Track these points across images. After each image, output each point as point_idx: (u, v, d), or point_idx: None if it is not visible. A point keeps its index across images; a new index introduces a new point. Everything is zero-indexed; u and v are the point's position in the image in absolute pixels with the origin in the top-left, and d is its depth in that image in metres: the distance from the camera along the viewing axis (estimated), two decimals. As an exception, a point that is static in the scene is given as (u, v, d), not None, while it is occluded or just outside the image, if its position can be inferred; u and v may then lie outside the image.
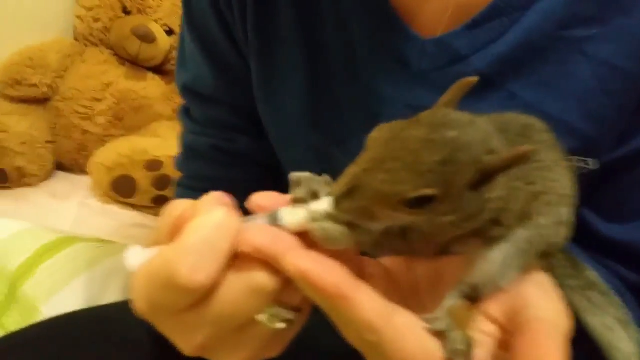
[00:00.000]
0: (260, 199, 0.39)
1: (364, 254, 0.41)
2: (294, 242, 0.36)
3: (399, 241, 0.39)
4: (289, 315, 0.38)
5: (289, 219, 0.37)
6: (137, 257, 0.39)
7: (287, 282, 0.37)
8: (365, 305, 0.34)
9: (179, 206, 0.39)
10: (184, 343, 0.39)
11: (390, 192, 0.33)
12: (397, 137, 0.34)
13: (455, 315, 0.38)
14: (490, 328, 0.38)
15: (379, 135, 0.35)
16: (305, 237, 0.37)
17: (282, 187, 0.40)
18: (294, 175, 0.38)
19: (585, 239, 0.54)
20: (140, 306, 0.39)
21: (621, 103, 0.52)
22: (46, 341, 0.65)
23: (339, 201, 0.35)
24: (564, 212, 0.41)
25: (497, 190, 0.36)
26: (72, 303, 0.96)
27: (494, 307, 0.39)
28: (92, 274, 1.02)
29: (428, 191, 0.33)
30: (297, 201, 0.37)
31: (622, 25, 0.51)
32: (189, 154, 0.78)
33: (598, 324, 0.44)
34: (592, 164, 0.54)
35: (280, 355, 0.42)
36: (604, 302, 0.46)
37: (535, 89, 0.53)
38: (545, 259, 0.41)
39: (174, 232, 0.38)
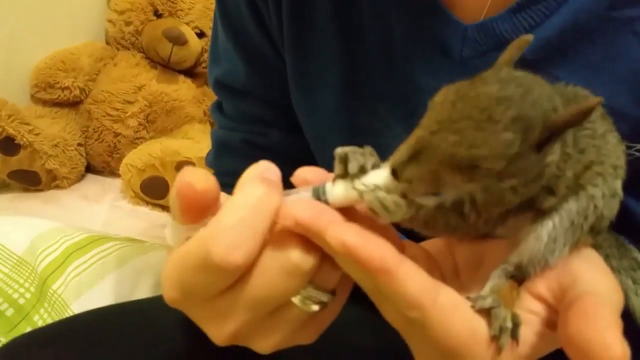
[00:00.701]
0: (307, 172, 0.37)
1: (411, 234, 0.40)
2: (337, 216, 0.35)
3: (452, 215, 0.38)
4: (324, 297, 0.37)
5: (334, 194, 0.35)
6: (177, 231, 0.38)
7: (322, 263, 0.36)
8: (410, 281, 0.32)
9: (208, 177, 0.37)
10: (217, 331, 0.38)
11: (464, 154, 0.31)
12: (466, 96, 0.32)
13: (500, 293, 0.36)
14: (536, 306, 0.37)
15: (444, 98, 0.33)
16: (350, 213, 0.35)
17: None
18: (340, 150, 0.36)
19: (626, 226, 0.51)
20: (171, 294, 0.38)
21: None
22: (74, 336, 0.64)
23: (401, 168, 0.33)
24: (617, 185, 0.39)
25: (553, 154, 0.34)
26: (102, 302, 0.95)
27: (541, 284, 0.37)
28: (121, 272, 1.01)
29: (504, 151, 0.31)
30: (343, 177, 0.35)
31: None
32: (221, 149, 0.77)
33: None
34: None
35: (313, 352, 0.40)
36: None
37: (582, 73, 0.51)
38: (594, 235, 0.40)
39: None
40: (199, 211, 0.36)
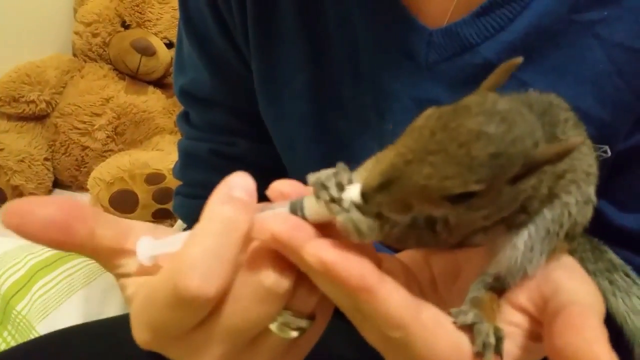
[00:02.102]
0: (283, 185, 0.36)
1: (386, 247, 0.38)
2: (314, 232, 0.33)
3: (425, 232, 0.37)
4: (302, 322, 0.36)
5: (311, 209, 0.34)
6: (149, 249, 0.37)
7: (298, 286, 0.34)
8: (391, 299, 0.31)
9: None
10: None
11: (436, 188, 0.31)
12: (447, 127, 0.31)
13: (481, 306, 0.35)
14: (518, 318, 0.36)
15: (424, 124, 0.32)
16: (327, 229, 0.34)
17: None
18: (314, 179, 0.34)
19: (599, 229, 0.52)
20: (141, 336, 0.36)
21: (638, 86, 0.50)
22: (39, 358, 0.62)
23: (371, 194, 0.32)
24: (590, 191, 0.39)
25: (531, 179, 0.34)
26: (69, 321, 0.92)
27: (521, 295, 0.37)
28: (89, 290, 0.99)
29: (476, 187, 0.31)
30: (331, 201, 0.34)
31: (636, 5, 0.49)
32: (188, 160, 0.75)
33: (622, 307, 0.43)
34: (607, 151, 0.51)
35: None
36: (627, 284, 0.45)
37: (547, 76, 0.51)
38: (569, 241, 0.39)
39: None
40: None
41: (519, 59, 0.36)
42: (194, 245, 0.33)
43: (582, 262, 0.43)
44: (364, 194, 0.32)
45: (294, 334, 0.35)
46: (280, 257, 0.34)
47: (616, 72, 0.50)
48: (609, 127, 0.51)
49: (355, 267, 0.31)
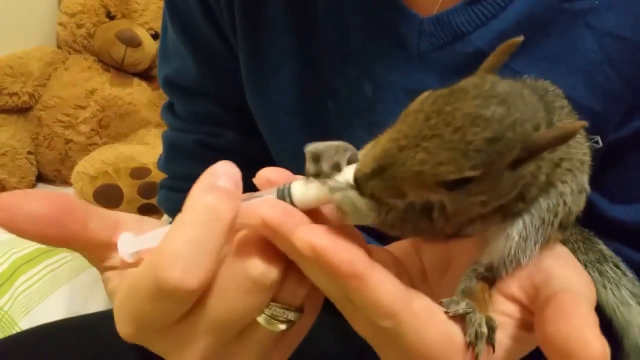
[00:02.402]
0: (270, 173, 0.35)
1: (375, 239, 0.38)
2: (304, 218, 0.32)
3: (421, 220, 0.37)
4: (290, 315, 0.35)
5: (300, 194, 0.33)
6: (129, 245, 0.36)
7: (286, 277, 0.34)
8: (382, 287, 0.30)
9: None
10: None
11: (430, 174, 0.30)
12: (442, 111, 0.30)
13: (472, 296, 0.35)
14: (509, 308, 0.36)
15: (419, 108, 0.31)
16: (315, 216, 0.33)
17: None
18: (312, 147, 0.34)
19: (590, 221, 0.52)
20: (124, 329, 0.35)
21: (628, 75, 0.50)
22: (20, 353, 0.61)
23: (364, 180, 0.31)
24: (584, 180, 0.39)
25: (530, 165, 0.33)
26: (53, 317, 0.90)
27: (513, 284, 0.36)
28: (73, 285, 0.97)
29: (471, 173, 0.30)
30: (316, 176, 0.33)
31: None
32: (173, 152, 0.74)
33: (611, 299, 0.43)
34: (599, 141, 0.51)
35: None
36: (617, 276, 0.45)
37: (539, 65, 0.50)
38: (562, 231, 0.39)
39: None
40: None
41: (519, 39, 0.35)
42: (175, 236, 0.32)
43: (573, 252, 0.42)
44: (356, 180, 0.31)
45: (282, 326, 0.35)
46: (267, 247, 0.33)
47: (607, 61, 0.50)
48: (600, 117, 0.51)
49: (345, 253, 0.30)
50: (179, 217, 0.33)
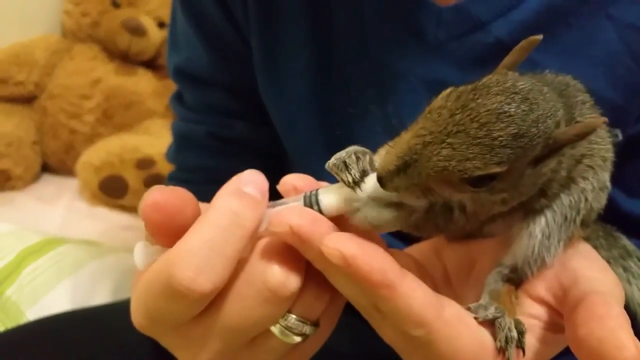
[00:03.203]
0: (295, 179, 0.35)
1: (400, 235, 0.37)
2: (333, 226, 0.32)
3: (441, 220, 0.36)
4: (306, 328, 0.34)
5: (328, 202, 0.33)
6: (144, 254, 0.35)
7: (305, 289, 0.33)
8: (413, 296, 0.30)
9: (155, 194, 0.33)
10: None
11: (456, 169, 0.30)
12: (466, 107, 0.30)
13: (500, 300, 0.35)
14: (537, 310, 0.36)
15: (443, 104, 0.31)
16: (342, 222, 0.33)
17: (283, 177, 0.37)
18: (334, 161, 0.34)
19: (606, 215, 0.51)
20: (138, 320, 0.35)
21: None
22: (30, 343, 0.60)
23: (388, 177, 0.31)
24: (606, 177, 0.39)
25: (551, 162, 0.33)
26: (59, 307, 0.90)
27: (540, 286, 0.36)
28: (78, 276, 0.96)
29: (497, 169, 0.30)
30: (355, 184, 0.34)
31: None
32: (182, 143, 0.73)
33: (637, 294, 0.43)
34: (619, 134, 0.51)
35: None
36: None
37: (559, 57, 0.50)
38: (584, 228, 0.39)
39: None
40: (170, 233, 0.33)
41: (539, 37, 0.34)
42: (194, 235, 0.31)
43: (596, 249, 0.42)
44: (380, 178, 0.31)
45: (297, 339, 0.34)
46: (288, 257, 0.33)
47: (628, 53, 0.49)
48: (620, 110, 0.50)
49: (376, 262, 0.29)
50: (202, 216, 0.32)
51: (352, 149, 0.35)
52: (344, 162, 0.33)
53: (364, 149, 0.35)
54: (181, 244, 0.32)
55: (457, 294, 0.40)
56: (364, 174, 0.33)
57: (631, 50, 0.49)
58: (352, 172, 0.33)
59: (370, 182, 0.33)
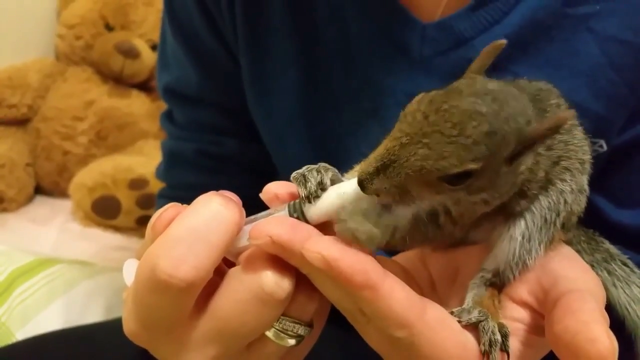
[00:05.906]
0: (277, 187, 0.36)
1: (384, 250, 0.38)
2: (314, 231, 0.32)
3: (429, 228, 0.37)
4: (301, 330, 0.35)
5: (312, 211, 0.34)
6: (134, 271, 0.35)
7: (298, 291, 0.34)
8: (395, 297, 0.30)
9: (170, 210, 0.35)
10: None
11: (433, 167, 0.31)
12: (440, 109, 0.31)
13: (483, 304, 0.35)
14: (520, 313, 0.36)
15: (417, 108, 0.32)
16: (327, 229, 0.34)
17: None
18: (294, 174, 0.35)
19: (595, 225, 0.52)
20: (130, 326, 0.35)
21: (632, 79, 0.50)
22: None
23: (367, 180, 0.32)
24: (584, 180, 0.40)
25: (526, 162, 0.34)
26: (51, 326, 0.89)
27: (522, 289, 0.36)
28: (71, 296, 0.96)
29: (472, 165, 0.31)
30: (307, 198, 0.34)
31: None
32: (172, 161, 0.73)
33: (622, 297, 0.43)
34: (603, 145, 0.52)
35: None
36: (626, 273, 0.45)
37: (542, 70, 0.51)
38: (565, 232, 0.39)
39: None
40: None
41: (503, 42, 0.36)
42: (177, 225, 0.32)
43: (579, 254, 0.42)
44: (360, 182, 0.32)
45: (292, 341, 0.35)
46: (278, 260, 0.33)
47: (610, 65, 0.50)
48: (604, 121, 0.51)
49: (358, 264, 0.30)
50: (185, 210, 0.33)
51: (319, 164, 0.35)
52: (303, 175, 0.34)
53: (329, 166, 0.36)
54: (164, 235, 0.32)
55: (442, 300, 0.40)
56: (321, 186, 0.34)
57: (612, 62, 0.50)
58: (308, 185, 0.34)
59: (349, 191, 0.33)
